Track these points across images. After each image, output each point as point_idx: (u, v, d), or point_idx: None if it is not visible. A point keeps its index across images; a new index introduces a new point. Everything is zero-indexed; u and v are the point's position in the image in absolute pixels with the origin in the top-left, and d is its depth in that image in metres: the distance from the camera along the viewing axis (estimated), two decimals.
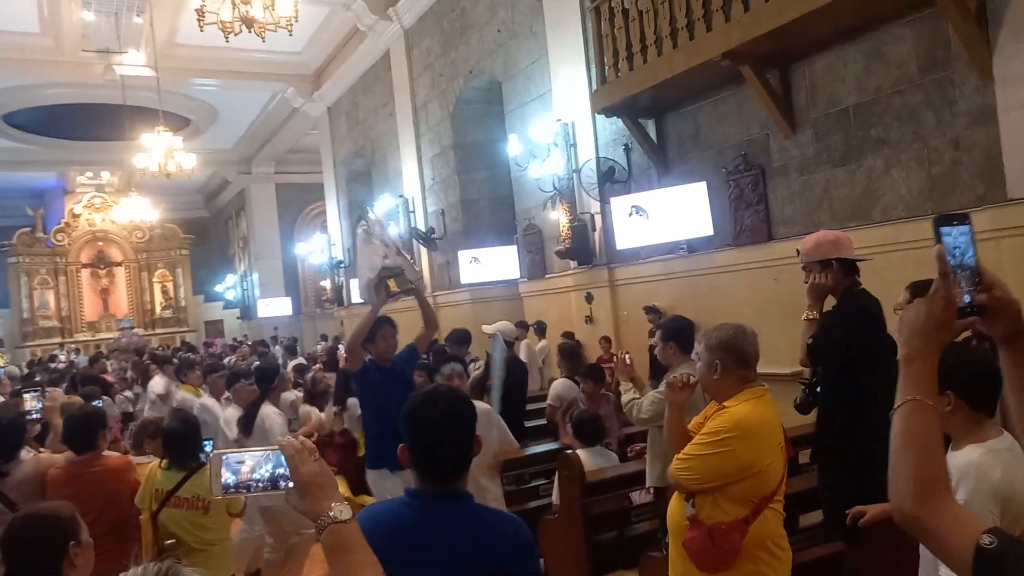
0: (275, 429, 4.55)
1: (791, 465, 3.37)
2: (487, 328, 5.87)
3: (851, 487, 3.12)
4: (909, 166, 5.09)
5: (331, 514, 1.35)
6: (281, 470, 1.41)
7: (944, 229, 1.13)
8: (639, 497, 4.23)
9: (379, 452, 4.26)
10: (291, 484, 1.39)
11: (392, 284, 4.39)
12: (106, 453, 3.59)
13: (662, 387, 3.14)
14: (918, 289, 2.93)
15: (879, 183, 5.29)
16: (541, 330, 8.97)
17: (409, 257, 4.77)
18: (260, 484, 1.42)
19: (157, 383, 7.71)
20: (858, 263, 3.32)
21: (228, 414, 5.02)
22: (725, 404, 2.45)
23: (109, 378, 9.30)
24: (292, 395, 6.66)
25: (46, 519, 2.07)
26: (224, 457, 1.42)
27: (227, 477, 1.41)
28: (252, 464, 1.42)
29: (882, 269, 4.85)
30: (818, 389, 3.33)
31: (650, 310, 7.27)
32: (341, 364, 6.72)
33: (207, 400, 6.08)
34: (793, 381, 3.94)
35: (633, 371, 3.75)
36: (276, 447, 1.43)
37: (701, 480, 2.39)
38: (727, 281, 6.56)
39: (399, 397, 1.82)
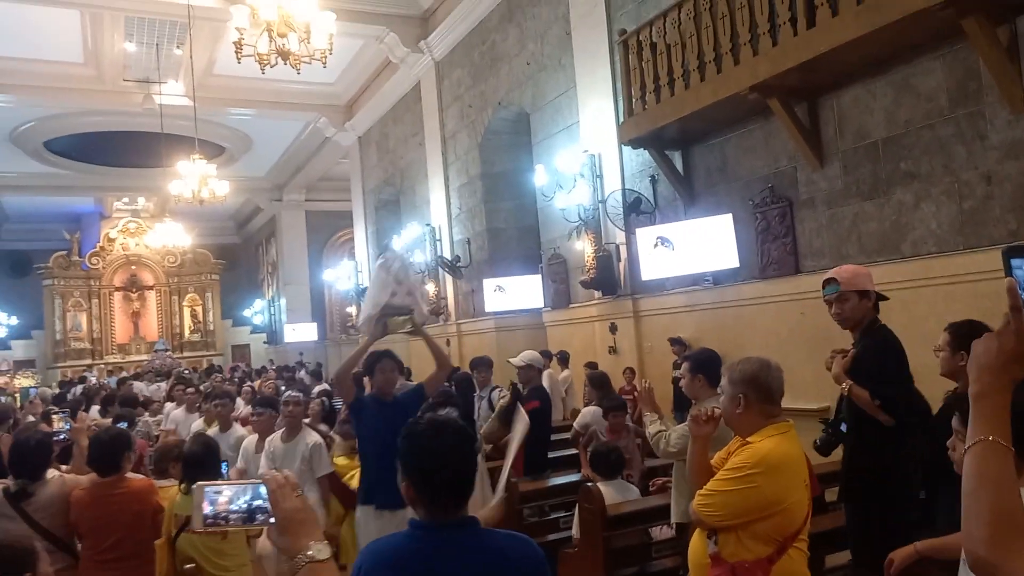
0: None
1: (817, 503, 3.30)
2: (514, 360, 5.87)
3: (880, 521, 3.06)
4: (939, 200, 5.02)
5: (309, 552, 1.32)
6: (260, 503, 1.38)
7: (1015, 261, 1.08)
8: (660, 532, 4.16)
9: (371, 488, 4.07)
10: (271, 519, 1.36)
11: (392, 324, 4.24)
12: (129, 475, 3.63)
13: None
14: (956, 330, 2.90)
15: (909, 217, 5.23)
16: (564, 360, 8.94)
17: (426, 298, 4.67)
18: (237, 516, 1.38)
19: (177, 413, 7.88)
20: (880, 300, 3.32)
21: (247, 441, 5.05)
22: (749, 439, 2.41)
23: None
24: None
25: (5, 549, 2.03)
26: (206, 489, 1.39)
27: (207, 509, 1.38)
28: (230, 495, 1.39)
29: (912, 304, 4.79)
30: (842, 428, 3.28)
31: (675, 342, 7.22)
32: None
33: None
34: (819, 416, 3.88)
35: (654, 401, 3.71)
36: (258, 480, 1.40)
37: (724, 517, 2.35)
38: (753, 314, 6.49)
39: (398, 434, 1.80)
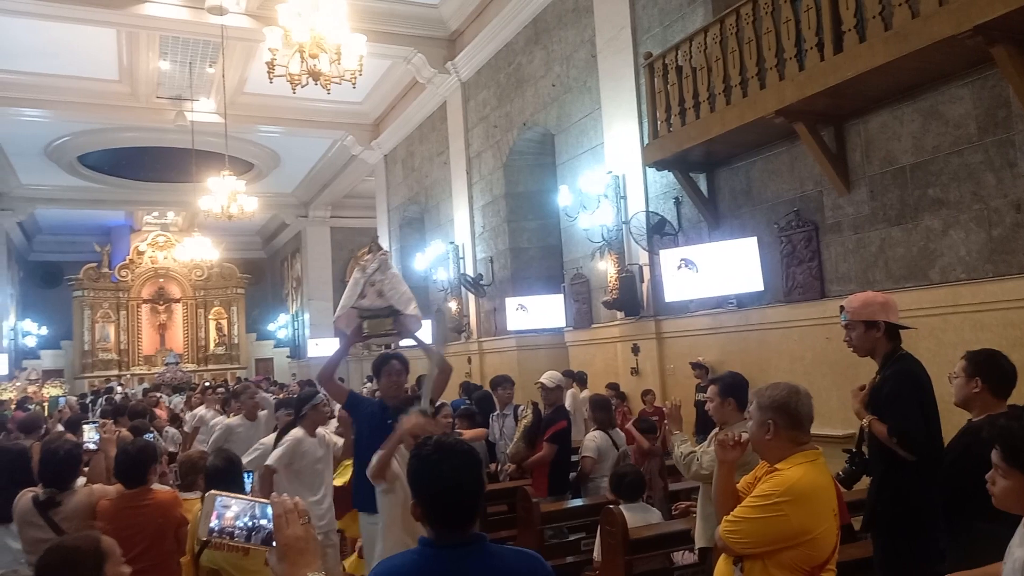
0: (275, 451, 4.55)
1: (847, 532, 3.27)
2: (543, 379, 5.85)
3: (905, 555, 3.02)
4: (968, 227, 4.98)
5: None
6: (264, 522, 1.39)
7: None
8: (683, 558, 4.13)
9: (368, 494, 3.74)
10: (272, 542, 1.37)
11: (370, 326, 4.11)
12: (156, 487, 3.67)
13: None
14: (974, 357, 2.88)
15: (937, 243, 5.19)
16: (582, 380, 8.90)
17: (408, 301, 4.28)
18: (240, 533, 1.39)
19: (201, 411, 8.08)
20: (901, 329, 3.28)
21: (269, 439, 5.13)
22: (777, 466, 2.40)
23: (161, 412, 9.56)
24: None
25: (71, 551, 2.01)
26: (217, 499, 1.40)
27: (213, 520, 1.39)
28: (238, 511, 1.40)
29: (940, 331, 4.75)
30: (866, 454, 3.25)
31: (697, 366, 7.19)
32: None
33: (232, 420, 6.47)
34: (845, 443, 3.84)
35: (681, 421, 3.70)
36: (267, 500, 1.41)
37: (750, 544, 2.33)
38: (777, 337, 6.45)
39: None
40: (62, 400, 13.46)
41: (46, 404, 15.03)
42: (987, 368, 2.84)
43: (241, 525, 1.39)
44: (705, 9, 7.16)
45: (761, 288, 6.52)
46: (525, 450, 5.76)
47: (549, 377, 5.75)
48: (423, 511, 1.74)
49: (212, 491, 1.44)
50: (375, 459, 3.26)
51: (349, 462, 4.80)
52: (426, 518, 1.74)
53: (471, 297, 12.16)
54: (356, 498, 4.08)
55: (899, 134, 5.44)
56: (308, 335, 22.73)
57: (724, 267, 6.72)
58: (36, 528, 3.53)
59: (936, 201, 5.19)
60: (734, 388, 3.48)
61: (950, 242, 5.11)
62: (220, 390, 8.50)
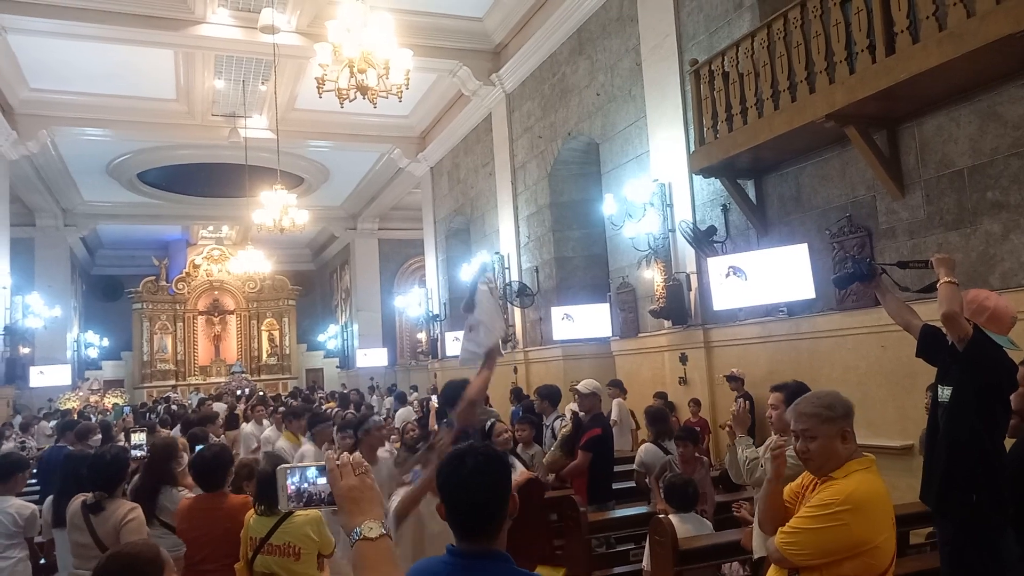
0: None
1: (901, 545, 3.17)
2: (578, 387, 5.86)
3: (978, 549, 2.93)
4: None
5: (359, 530, 1.37)
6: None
7: None
8: (731, 570, 4.06)
9: None
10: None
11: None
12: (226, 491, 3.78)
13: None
14: None
15: (997, 248, 5.02)
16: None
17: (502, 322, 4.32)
18: (319, 496, 1.48)
19: (254, 428, 8.15)
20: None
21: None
22: (832, 475, 2.35)
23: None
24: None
25: (132, 559, 2.01)
26: (289, 470, 1.48)
27: (291, 489, 1.47)
28: (312, 477, 1.48)
29: None
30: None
31: (731, 378, 7.11)
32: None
33: (306, 447, 6.26)
34: (902, 455, 3.74)
35: (748, 425, 3.64)
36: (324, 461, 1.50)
37: (810, 556, 2.27)
38: (830, 346, 6.31)
39: None
40: (127, 409, 13.98)
41: (109, 413, 15.56)
42: None
43: (316, 491, 1.48)
44: (752, 14, 7.10)
45: (812, 296, 6.39)
46: (562, 459, 5.75)
47: (583, 384, 5.77)
48: (446, 515, 1.72)
49: (282, 465, 1.50)
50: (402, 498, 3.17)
51: None
52: (448, 520, 1.71)
53: (517, 307, 12.19)
54: None
55: (955, 136, 5.29)
56: (357, 345, 23.05)
57: (774, 274, 6.60)
58: (79, 532, 3.65)
59: (995, 204, 5.03)
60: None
61: (1011, 247, 4.94)
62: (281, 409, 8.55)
